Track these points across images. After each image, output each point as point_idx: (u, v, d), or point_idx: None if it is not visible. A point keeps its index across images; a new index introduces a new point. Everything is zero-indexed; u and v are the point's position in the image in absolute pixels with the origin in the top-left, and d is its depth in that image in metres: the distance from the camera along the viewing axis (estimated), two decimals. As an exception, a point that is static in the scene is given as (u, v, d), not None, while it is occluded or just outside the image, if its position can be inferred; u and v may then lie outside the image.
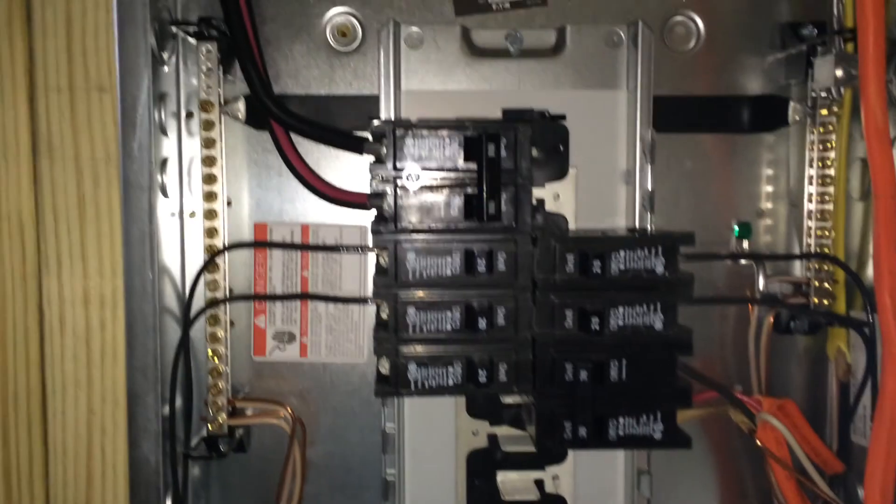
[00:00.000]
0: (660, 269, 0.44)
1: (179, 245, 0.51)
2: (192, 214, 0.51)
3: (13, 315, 0.42)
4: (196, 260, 0.50)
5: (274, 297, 0.53)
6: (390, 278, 0.44)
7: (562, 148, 0.51)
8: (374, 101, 0.51)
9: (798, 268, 0.55)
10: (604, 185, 0.53)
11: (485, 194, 0.44)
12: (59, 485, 0.43)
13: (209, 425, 0.49)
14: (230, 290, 0.52)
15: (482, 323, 0.44)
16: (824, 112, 0.51)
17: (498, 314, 0.44)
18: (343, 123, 0.52)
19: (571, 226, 0.52)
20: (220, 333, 0.50)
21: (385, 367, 0.44)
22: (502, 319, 0.44)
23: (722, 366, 0.56)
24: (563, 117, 0.51)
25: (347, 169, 0.54)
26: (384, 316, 0.45)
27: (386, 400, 0.51)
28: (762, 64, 0.55)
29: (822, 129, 0.52)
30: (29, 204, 0.42)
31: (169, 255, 0.50)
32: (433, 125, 0.44)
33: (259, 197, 0.54)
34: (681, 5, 0.54)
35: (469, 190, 0.44)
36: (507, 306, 0.44)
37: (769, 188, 0.56)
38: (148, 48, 0.42)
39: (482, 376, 0.44)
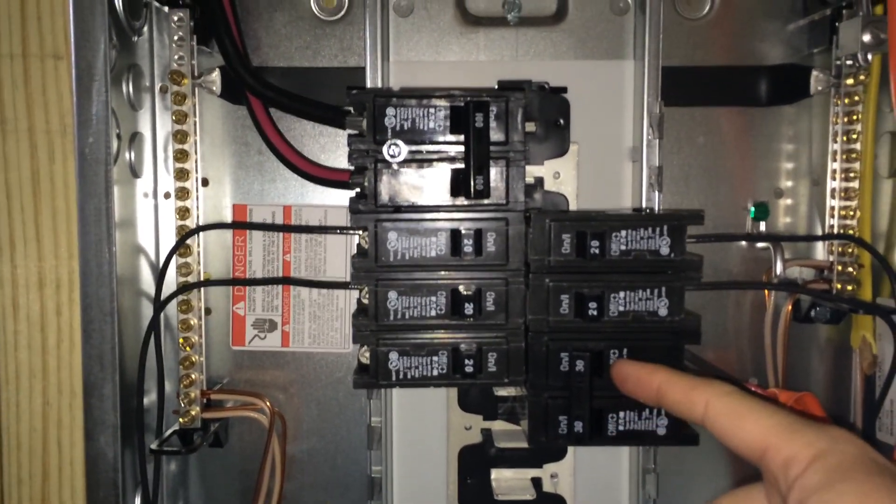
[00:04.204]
0: (665, 250, 0.40)
1: (154, 228, 0.48)
2: (168, 195, 0.48)
3: (-38, 299, 0.40)
4: (172, 244, 0.47)
5: (248, 282, 0.50)
6: (370, 260, 0.41)
7: (562, 122, 0.49)
8: (361, 73, 0.48)
9: (820, 251, 0.51)
10: (608, 163, 0.50)
11: (472, 168, 0.40)
12: (14, 480, 0.41)
13: (181, 418, 0.46)
14: (206, 276, 0.49)
15: (469, 309, 0.41)
16: (850, 81, 0.48)
17: (487, 299, 0.41)
18: (329, 97, 0.49)
19: (572, 206, 0.49)
20: (194, 321, 0.47)
21: (365, 357, 0.41)
22: (492, 305, 0.41)
23: (736, 357, 0.52)
24: (564, 90, 0.49)
25: (332, 146, 0.51)
26: (365, 301, 0.41)
27: (372, 392, 0.48)
28: (782, 31, 0.51)
29: (847, 100, 0.48)
30: (-21, 180, 0.39)
31: (143, 239, 0.47)
32: (416, 94, 0.41)
33: (239, 177, 0.51)
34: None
35: (456, 164, 0.41)
36: (496, 291, 0.41)
37: (789, 165, 0.52)
38: (105, 11, 0.39)
39: (469, 366, 0.41)
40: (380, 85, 0.48)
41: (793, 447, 0.28)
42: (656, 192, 0.48)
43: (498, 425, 0.49)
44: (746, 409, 0.31)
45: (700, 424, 0.33)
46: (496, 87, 0.49)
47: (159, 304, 0.45)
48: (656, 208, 0.48)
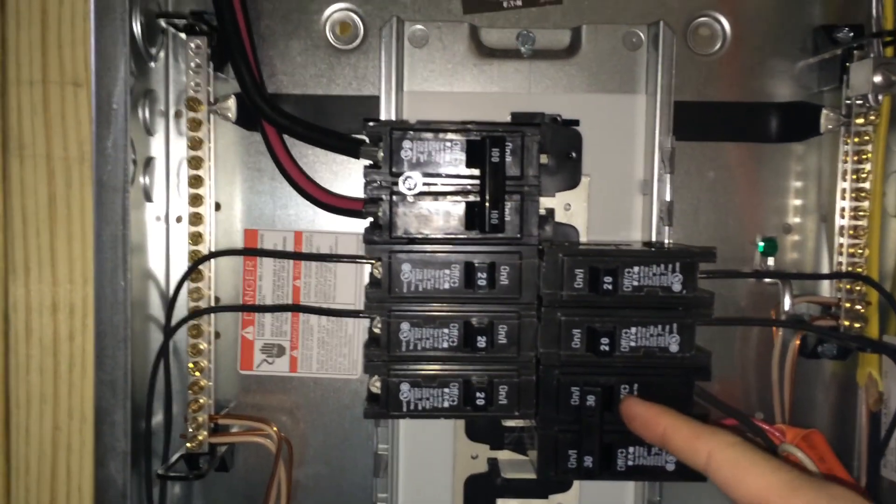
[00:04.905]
0: (677, 287, 0.41)
1: (165, 251, 0.48)
2: (179, 219, 0.49)
3: (-24, 323, 0.40)
4: (183, 267, 0.47)
5: (258, 309, 0.50)
6: (383, 291, 0.41)
7: (574, 155, 0.49)
8: (375, 102, 0.48)
9: (827, 288, 0.51)
10: (619, 196, 0.50)
11: (487, 202, 0.40)
12: (22, 505, 0.41)
13: (188, 443, 0.46)
14: (216, 300, 0.49)
15: (482, 341, 0.41)
16: (860, 121, 0.48)
17: (499, 332, 0.41)
18: (342, 125, 0.49)
19: (583, 238, 0.49)
20: (203, 345, 0.47)
21: (376, 386, 0.41)
22: (504, 338, 0.41)
23: (743, 392, 0.52)
24: (576, 122, 0.49)
25: (345, 173, 0.51)
26: (377, 331, 0.42)
27: (379, 420, 0.48)
28: (792, 69, 0.52)
29: (857, 139, 0.48)
30: (-4, 204, 0.39)
31: (154, 262, 0.47)
32: (433, 127, 0.41)
33: (251, 202, 0.51)
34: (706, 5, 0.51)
35: (471, 198, 0.41)
36: (509, 324, 0.41)
37: (797, 202, 0.52)
38: (126, 41, 0.39)
39: (480, 399, 0.41)
40: (393, 114, 0.48)
41: None
42: (666, 227, 0.48)
43: (504, 455, 0.49)
44: (748, 462, 0.31)
45: (702, 472, 0.33)
46: (509, 118, 0.49)
47: (170, 331, 0.45)
48: (666, 242, 0.48)
